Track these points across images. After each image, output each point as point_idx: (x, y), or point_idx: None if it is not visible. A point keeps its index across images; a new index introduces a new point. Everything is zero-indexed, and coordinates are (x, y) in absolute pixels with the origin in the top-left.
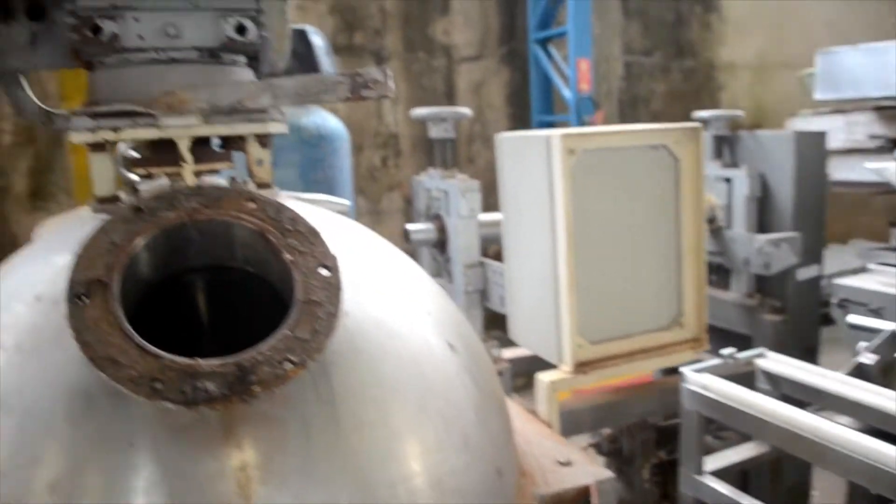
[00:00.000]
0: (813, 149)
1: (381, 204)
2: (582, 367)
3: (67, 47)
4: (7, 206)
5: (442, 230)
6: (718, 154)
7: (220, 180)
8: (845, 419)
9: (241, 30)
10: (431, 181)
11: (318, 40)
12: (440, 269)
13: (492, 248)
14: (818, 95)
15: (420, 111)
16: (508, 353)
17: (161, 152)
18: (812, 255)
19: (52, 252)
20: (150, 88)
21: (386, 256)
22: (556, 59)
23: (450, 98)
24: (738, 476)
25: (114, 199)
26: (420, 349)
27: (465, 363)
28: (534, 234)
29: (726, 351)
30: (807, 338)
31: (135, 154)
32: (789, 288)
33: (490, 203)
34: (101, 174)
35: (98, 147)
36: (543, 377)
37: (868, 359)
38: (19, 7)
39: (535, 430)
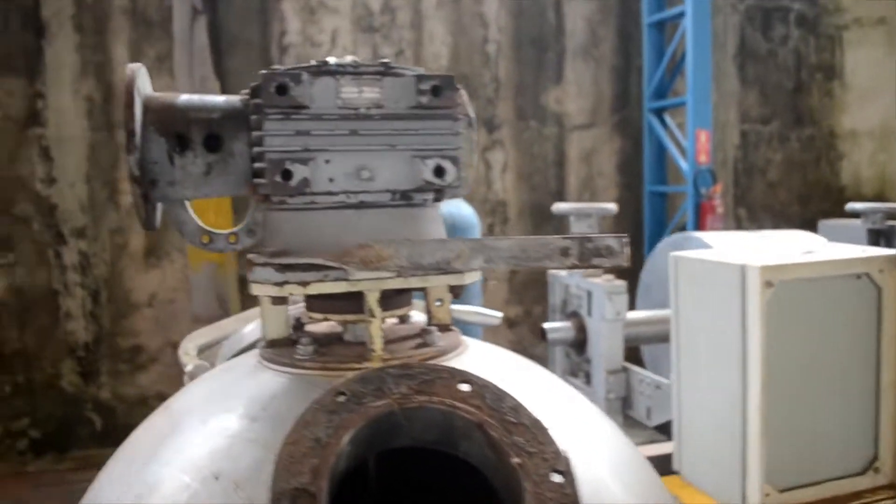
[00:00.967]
0: None
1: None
2: None
3: (241, 178)
4: (122, 263)
5: (581, 329)
6: None
7: (406, 325)
8: None
9: (439, 172)
10: (571, 278)
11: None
12: (575, 368)
13: None
14: None
15: (562, 206)
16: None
17: (341, 298)
18: None
19: (223, 413)
20: (340, 236)
21: (592, 425)
22: (671, 128)
23: (560, 166)
24: None
25: (287, 343)
26: None
27: None
28: (717, 365)
29: None
30: None
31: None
32: None
33: None
34: (275, 319)
35: (280, 301)
36: None
37: None
38: (197, 139)
39: None
